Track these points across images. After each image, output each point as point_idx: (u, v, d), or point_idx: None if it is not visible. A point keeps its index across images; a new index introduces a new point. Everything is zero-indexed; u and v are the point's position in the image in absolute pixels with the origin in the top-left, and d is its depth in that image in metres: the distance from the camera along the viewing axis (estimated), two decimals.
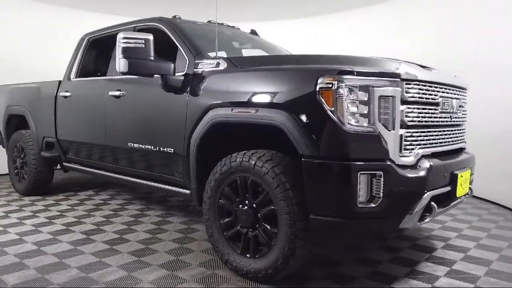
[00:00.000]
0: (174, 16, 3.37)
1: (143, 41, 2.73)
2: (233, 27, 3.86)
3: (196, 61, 2.81)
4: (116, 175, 3.53)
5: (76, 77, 4.07)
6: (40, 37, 6.49)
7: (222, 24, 3.71)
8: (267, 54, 3.71)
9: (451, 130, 2.57)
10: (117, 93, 3.35)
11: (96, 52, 4.24)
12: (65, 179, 5.80)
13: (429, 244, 3.17)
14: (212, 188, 2.54)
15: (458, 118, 2.62)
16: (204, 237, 3.22)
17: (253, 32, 4.09)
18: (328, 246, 3.06)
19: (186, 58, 2.89)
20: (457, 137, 2.67)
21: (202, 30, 3.29)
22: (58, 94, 4.13)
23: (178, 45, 3.01)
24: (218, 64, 2.64)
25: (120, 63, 2.69)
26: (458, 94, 2.60)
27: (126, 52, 2.69)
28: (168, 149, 2.90)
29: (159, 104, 2.97)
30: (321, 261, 2.75)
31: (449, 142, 2.54)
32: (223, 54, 3.34)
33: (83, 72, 4.13)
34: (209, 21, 3.63)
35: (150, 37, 2.75)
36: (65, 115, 4.04)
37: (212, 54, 2.95)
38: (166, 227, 3.53)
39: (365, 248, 3.03)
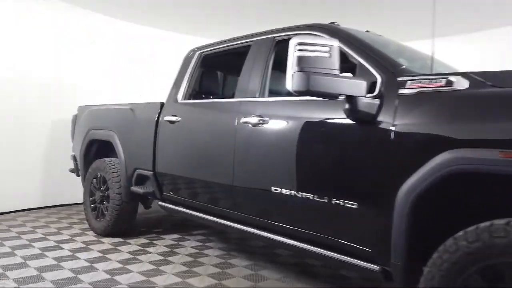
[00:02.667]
0: (332, 23, 2.58)
1: (328, 49, 1.92)
2: None
3: (399, 79, 1.96)
4: (242, 227, 2.67)
5: (185, 99, 3.34)
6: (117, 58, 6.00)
7: (380, 36, 2.89)
8: None
9: None
10: (256, 120, 2.55)
11: (212, 70, 3.53)
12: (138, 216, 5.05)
13: None
14: (444, 272, 1.62)
15: None
16: None
17: None
18: None
19: (376, 75, 2.05)
20: None
21: (378, 41, 2.47)
22: (161, 118, 3.41)
23: (359, 58, 2.19)
24: (449, 83, 1.77)
25: (296, 78, 1.88)
26: None
27: (303, 63, 1.89)
28: (347, 202, 2.02)
29: (336, 136, 2.12)
30: None
31: None
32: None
33: (194, 93, 3.41)
34: (367, 31, 2.82)
35: (336, 43, 1.95)
36: (170, 144, 3.29)
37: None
38: None
39: None
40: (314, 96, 1.99)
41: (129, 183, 3.77)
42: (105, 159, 4.13)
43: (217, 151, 2.84)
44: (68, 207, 5.50)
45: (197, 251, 3.66)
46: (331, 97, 1.95)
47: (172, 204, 3.40)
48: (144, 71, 6.13)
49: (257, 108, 2.61)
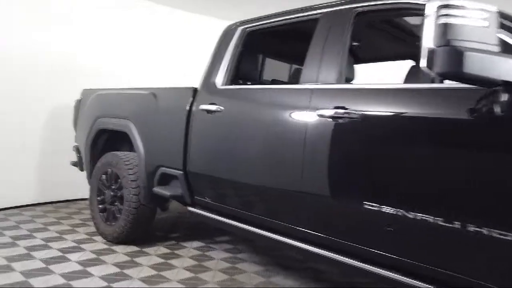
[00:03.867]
0: None
1: (488, 15, 1.36)
2: None
3: None
4: (316, 250, 2.10)
5: (226, 84, 2.74)
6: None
7: None
8: None
9: None
10: (335, 112, 1.98)
11: (259, 49, 2.93)
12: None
13: None
14: None
15: None
16: None
17: None
18: None
19: None
20: None
21: None
22: (195, 107, 2.80)
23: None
24: None
25: (441, 55, 1.32)
26: None
27: (452, 34, 1.33)
28: (497, 232, 1.47)
29: (480, 139, 1.57)
30: None
31: None
32: None
33: (237, 77, 2.81)
34: None
35: (494, 9, 1.39)
36: (208, 138, 2.69)
37: None
38: None
39: None
40: (464, 82, 1.42)
41: (150, 182, 3.17)
42: (118, 152, 3.51)
43: (276, 150, 2.26)
44: (67, 204, 4.86)
45: (230, 265, 3.10)
46: (489, 84, 1.39)
47: (205, 210, 2.82)
48: (159, 54, 5.49)
49: (339, 97, 2.03)
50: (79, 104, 4.13)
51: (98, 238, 3.56)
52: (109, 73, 4.94)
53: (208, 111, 2.68)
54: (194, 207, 2.89)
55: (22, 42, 4.38)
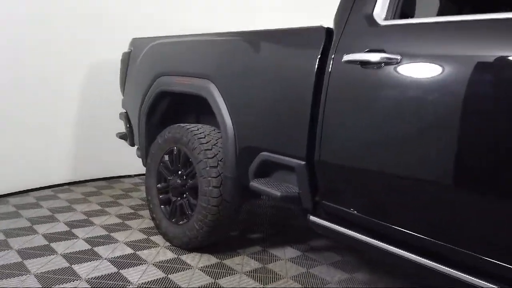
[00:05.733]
0: None
1: None
2: None
3: None
4: None
5: (395, 18, 1.63)
6: None
7: None
8: None
9: None
10: None
11: None
12: None
13: None
14: None
15: None
16: None
17: None
18: None
19: None
20: None
21: None
22: (333, 57, 1.71)
23: None
24: None
25: None
26: None
27: None
28: None
29: None
30: None
31: None
32: None
33: (409, 9, 1.68)
34: None
35: None
36: (364, 109, 1.60)
37: None
38: None
39: None
40: None
41: (240, 172, 2.15)
42: (189, 125, 2.50)
43: None
44: (108, 183, 3.97)
45: None
46: None
47: (333, 223, 1.78)
48: None
49: None
50: (128, 58, 3.11)
51: (158, 239, 2.63)
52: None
53: (364, 63, 1.58)
54: (319, 217, 1.85)
55: None
